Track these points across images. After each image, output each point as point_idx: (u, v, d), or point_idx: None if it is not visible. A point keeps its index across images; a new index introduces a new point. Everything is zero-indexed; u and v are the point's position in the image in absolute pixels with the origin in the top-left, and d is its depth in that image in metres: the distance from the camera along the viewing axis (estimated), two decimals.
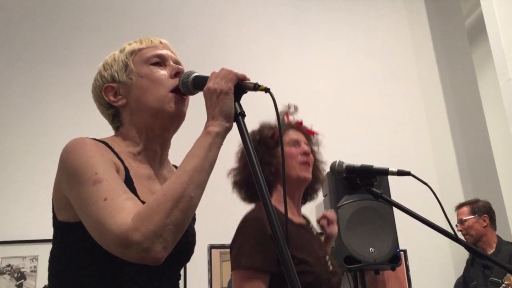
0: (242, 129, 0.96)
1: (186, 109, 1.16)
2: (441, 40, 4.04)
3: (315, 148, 1.80)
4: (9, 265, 2.75)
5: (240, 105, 0.99)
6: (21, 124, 3.10)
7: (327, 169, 1.76)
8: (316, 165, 1.76)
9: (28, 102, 3.17)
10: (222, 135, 1.00)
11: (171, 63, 1.18)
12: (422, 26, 4.09)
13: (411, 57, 3.96)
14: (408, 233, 3.11)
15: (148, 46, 1.19)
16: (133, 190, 1.01)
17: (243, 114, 0.98)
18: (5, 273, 2.74)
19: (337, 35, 3.87)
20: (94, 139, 1.07)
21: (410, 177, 1.39)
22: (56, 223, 1.05)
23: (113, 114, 1.18)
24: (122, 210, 0.88)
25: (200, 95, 1.10)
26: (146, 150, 1.15)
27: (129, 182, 1.03)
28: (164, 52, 1.19)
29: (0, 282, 2.71)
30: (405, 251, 3.28)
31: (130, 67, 1.15)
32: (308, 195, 1.80)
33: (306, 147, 1.70)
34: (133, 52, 1.18)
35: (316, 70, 3.71)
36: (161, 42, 1.22)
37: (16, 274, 2.75)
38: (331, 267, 1.62)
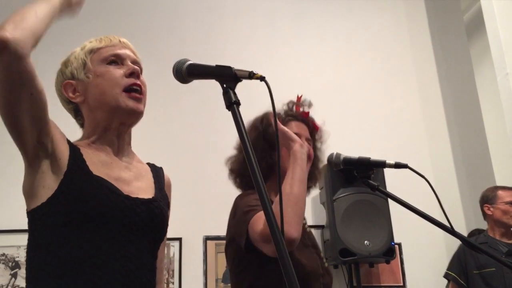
0: (237, 118, 0.95)
1: (142, 106, 1.21)
2: (439, 35, 4.03)
3: (317, 144, 1.73)
4: (3, 254, 2.75)
5: (235, 94, 0.98)
6: None
7: (323, 161, 1.72)
8: (314, 163, 1.69)
9: None
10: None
11: (129, 62, 1.23)
12: (420, 21, 4.08)
13: (408, 52, 3.96)
14: (403, 227, 3.12)
15: (107, 45, 1.24)
16: (85, 167, 1.11)
17: (238, 103, 0.97)
18: (1, 262, 2.73)
19: (334, 29, 3.86)
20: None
21: (406, 171, 1.38)
22: (28, 214, 1.11)
23: (74, 109, 1.25)
24: None
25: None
26: (102, 139, 1.20)
27: (81, 161, 1.11)
28: (122, 51, 1.23)
29: None
30: (399, 244, 3.30)
31: (88, 66, 1.21)
32: None
33: (306, 144, 1.63)
34: (91, 51, 1.23)
35: (314, 64, 3.70)
36: (120, 41, 1.26)
37: (10, 263, 2.74)
38: (326, 264, 1.61)
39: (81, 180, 1.09)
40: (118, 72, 1.20)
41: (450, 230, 1.32)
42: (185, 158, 3.20)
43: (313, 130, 1.72)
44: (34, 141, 1.06)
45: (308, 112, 1.73)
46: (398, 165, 1.37)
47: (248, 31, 3.68)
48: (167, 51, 3.29)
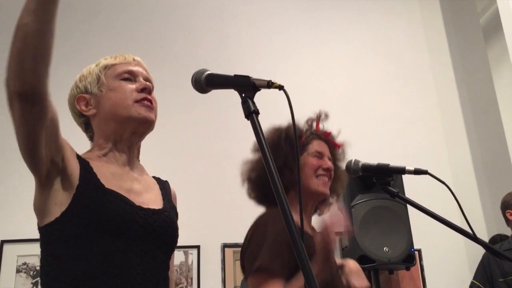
0: (256, 127, 0.95)
1: (154, 115, 1.24)
2: (456, 38, 3.99)
3: (339, 163, 1.73)
4: (25, 263, 2.78)
5: (254, 103, 0.98)
6: None
7: (344, 180, 1.73)
8: (335, 178, 1.69)
9: None
10: None
11: (141, 79, 1.26)
12: (437, 24, 4.05)
13: (425, 55, 3.92)
14: (422, 233, 3.08)
15: (121, 62, 1.28)
16: (97, 181, 1.12)
17: (257, 112, 0.97)
18: (21, 271, 2.77)
19: (350, 34, 3.85)
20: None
21: (424, 176, 1.37)
22: (40, 230, 1.14)
23: (85, 123, 1.28)
24: None
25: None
26: (112, 152, 1.23)
27: (92, 175, 1.13)
28: (135, 68, 1.28)
29: (16, 280, 2.74)
30: (419, 251, 3.25)
31: (101, 80, 1.24)
32: (319, 207, 1.73)
33: (329, 163, 1.65)
34: (106, 67, 1.27)
35: (329, 69, 3.69)
36: (134, 59, 1.31)
37: (32, 272, 2.78)
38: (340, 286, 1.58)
39: (93, 193, 1.10)
40: (130, 87, 1.24)
41: (473, 237, 1.30)
42: (202, 166, 3.21)
43: (333, 149, 1.73)
44: (47, 162, 1.08)
45: (330, 133, 1.74)
46: (417, 171, 1.36)
47: (264, 39, 3.69)
48: (182, 60, 3.31)
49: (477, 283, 2.85)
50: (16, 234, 2.80)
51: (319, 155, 1.65)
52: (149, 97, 1.24)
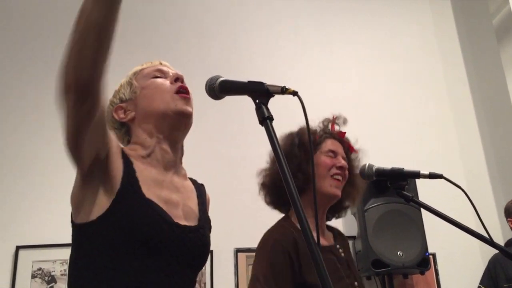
0: (270, 133, 0.95)
1: (191, 108, 1.22)
2: (468, 40, 3.96)
3: (353, 167, 1.70)
4: (40, 269, 2.81)
5: (268, 109, 0.98)
6: (54, 132, 3.15)
7: (360, 184, 1.70)
8: (350, 182, 1.66)
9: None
10: None
11: (171, 74, 1.27)
12: (448, 26, 4.02)
13: (437, 57, 3.90)
14: (437, 237, 3.06)
15: (148, 66, 1.29)
16: (138, 188, 1.09)
17: (271, 118, 0.97)
18: (36, 277, 2.79)
19: (361, 37, 3.84)
20: None
21: (438, 180, 1.35)
22: (73, 226, 1.11)
23: (126, 132, 1.25)
24: None
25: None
26: (155, 152, 1.19)
27: (134, 180, 1.09)
28: (164, 68, 1.28)
29: (31, 286, 2.76)
30: (434, 255, 3.22)
31: (133, 85, 1.24)
32: (335, 211, 1.72)
33: (342, 161, 1.62)
34: (135, 73, 1.28)
35: (341, 73, 3.68)
36: (161, 63, 1.30)
37: (47, 278, 2.80)
38: None
39: (132, 202, 1.07)
40: (163, 80, 1.24)
41: (489, 241, 1.29)
42: (215, 171, 3.21)
43: (348, 150, 1.71)
44: (91, 157, 1.05)
45: (345, 133, 1.72)
46: (432, 176, 1.35)
47: (274, 43, 3.69)
48: (193, 65, 3.33)
49: (483, 287, 2.83)
50: (31, 240, 2.82)
51: (333, 154, 1.63)
52: (185, 85, 1.24)
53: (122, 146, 1.19)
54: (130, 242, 1.04)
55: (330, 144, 1.65)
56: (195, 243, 1.14)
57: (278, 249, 1.46)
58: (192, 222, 1.17)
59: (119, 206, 1.05)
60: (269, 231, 1.59)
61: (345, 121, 1.75)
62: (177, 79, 1.23)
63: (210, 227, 1.28)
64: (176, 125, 1.21)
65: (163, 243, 1.07)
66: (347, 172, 1.64)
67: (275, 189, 1.63)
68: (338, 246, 1.66)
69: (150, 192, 1.11)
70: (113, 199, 1.06)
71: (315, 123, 1.71)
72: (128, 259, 1.04)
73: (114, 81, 1.28)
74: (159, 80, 1.24)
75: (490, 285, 2.81)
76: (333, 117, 1.73)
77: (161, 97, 1.19)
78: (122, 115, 1.24)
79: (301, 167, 1.57)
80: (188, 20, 3.63)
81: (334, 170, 1.60)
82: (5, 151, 3.06)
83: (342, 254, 1.64)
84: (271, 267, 1.46)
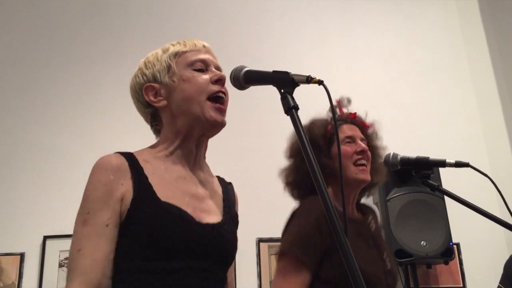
0: (296, 123, 0.95)
1: (224, 117, 1.18)
2: (493, 27, 3.87)
3: (374, 142, 1.67)
4: (67, 258, 2.87)
5: (293, 98, 0.98)
6: (77, 124, 3.21)
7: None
8: (374, 161, 1.63)
9: (83, 103, 3.28)
10: None
11: (213, 68, 1.20)
12: (472, 12, 3.93)
13: (461, 44, 3.82)
14: (461, 226, 3.02)
15: (192, 49, 1.21)
16: (152, 193, 1.07)
17: (296, 107, 0.97)
18: (63, 266, 2.85)
19: (384, 25, 3.78)
20: (120, 152, 1.12)
21: (462, 169, 1.34)
22: None
23: (151, 114, 1.21)
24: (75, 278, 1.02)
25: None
26: (181, 149, 1.17)
27: (147, 186, 1.08)
28: (207, 57, 1.21)
29: (59, 275, 2.83)
30: (458, 245, 3.19)
31: (173, 69, 1.17)
32: (365, 191, 1.69)
33: (362, 144, 1.59)
34: (176, 54, 1.19)
35: (363, 61, 3.65)
36: (204, 46, 1.23)
37: None
38: (388, 265, 1.57)
39: (148, 208, 1.06)
40: (204, 78, 1.17)
41: None
42: (236, 161, 3.23)
43: (363, 129, 1.68)
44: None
45: (356, 113, 1.69)
46: (459, 164, 1.33)
47: (295, 31, 3.67)
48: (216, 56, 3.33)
49: (502, 286, 2.79)
50: (58, 230, 2.89)
51: (351, 140, 1.60)
52: (223, 89, 1.18)
53: (130, 152, 1.15)
54: (150, 248, 1.04)
55: (345, 129, 1.62)
56: (219, 240, 1.12)
57: (313, 210, 1.45)
58: (217, 218, 1.16)
59: (135, 215, 1.05)
60: (301, 202, 1.58)
61: (349, 101, 1.71)
62: (218, 80, 1.18)
63: (236, 223, 1.27)
64: (206, 131, 1.18)
65: (184, 244, 1.06)
66: (369, 153, 1.61)
67: (299, 184, 1.61)
68: (369, 220, 1.66)
69: (168, 193, 1.09)
70: (128, 209, 1.05)
71: (324, 113, 1.68)
72: (151, 264, 1.03)
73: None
74: (200, 77, 1.17)
75: (506, 283, 2.77)
76: (337, 101, 1.70)
77: (198, 98, 1.14)
78: (152, 98, 1.18)
79: (319, 163, 1.56)
80: (208, 10, 3.63)
81: (355, 157, 1.58)
82: (35, 145, 3.14)
83: (373, 228, 1.64)
84: (311, 231, 1.45)
